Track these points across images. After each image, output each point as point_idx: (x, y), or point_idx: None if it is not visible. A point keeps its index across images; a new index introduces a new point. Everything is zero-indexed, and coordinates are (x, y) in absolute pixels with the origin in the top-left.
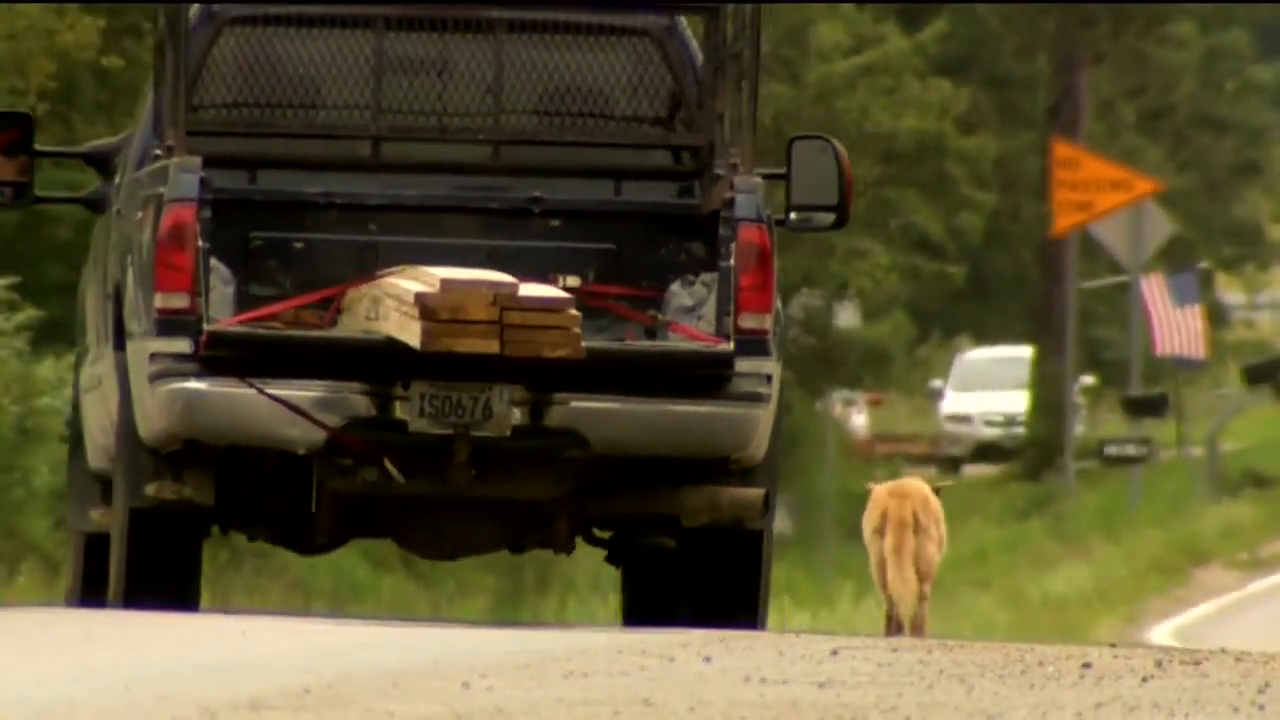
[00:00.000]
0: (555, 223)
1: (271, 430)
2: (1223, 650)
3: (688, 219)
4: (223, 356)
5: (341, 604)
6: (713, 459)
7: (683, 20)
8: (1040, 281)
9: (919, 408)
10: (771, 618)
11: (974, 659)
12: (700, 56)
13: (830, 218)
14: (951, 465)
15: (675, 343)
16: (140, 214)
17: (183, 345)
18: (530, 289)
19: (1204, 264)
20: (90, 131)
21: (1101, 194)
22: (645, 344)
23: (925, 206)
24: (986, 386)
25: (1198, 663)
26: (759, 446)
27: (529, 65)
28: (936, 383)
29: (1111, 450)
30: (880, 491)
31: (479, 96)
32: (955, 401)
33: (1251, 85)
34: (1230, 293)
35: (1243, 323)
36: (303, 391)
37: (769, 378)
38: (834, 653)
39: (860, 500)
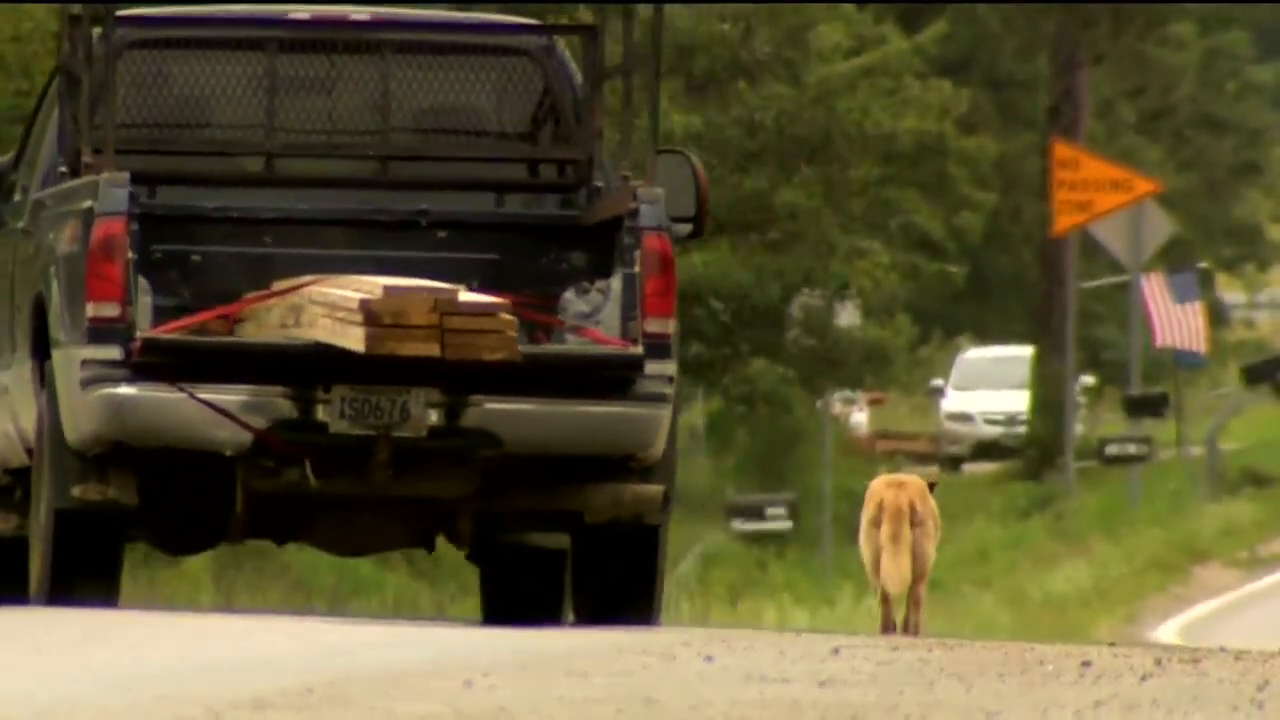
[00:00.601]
0: (441, 234)
1: (200, 433)
2: (1222, 649)
3: (569, 229)
4: (154, 362)
5: (344, 603)
6: (617, 457)
7: (560, 41)
8: (1040, 281)
9: (920, 406)
10: (771, 616)
11: (974, 658)
12: (579, 75)
13: (688, 227)
14: (952, 464)
15: (587, 346)
16: (57, 229)
17: (113, 352)
18: (469, 295)
19: (1203, 264)
20: None
21: (1101, 194)
22: (559, 347)
23: (926, 206)
24: (987, 385)
25: (1197, 661)
26: (661, 445)
27: (414, 85)
28: (937, 381)
29: (1112, 449)
30: (877, 483)
31: (368, 115)
32: (956, 400)
33: (1251, 86)
34: (1230, 293)
35: (1242, 322)
36: (229, 395)
37: (670, 379)
38: (835, 652)
39: (860, 498)
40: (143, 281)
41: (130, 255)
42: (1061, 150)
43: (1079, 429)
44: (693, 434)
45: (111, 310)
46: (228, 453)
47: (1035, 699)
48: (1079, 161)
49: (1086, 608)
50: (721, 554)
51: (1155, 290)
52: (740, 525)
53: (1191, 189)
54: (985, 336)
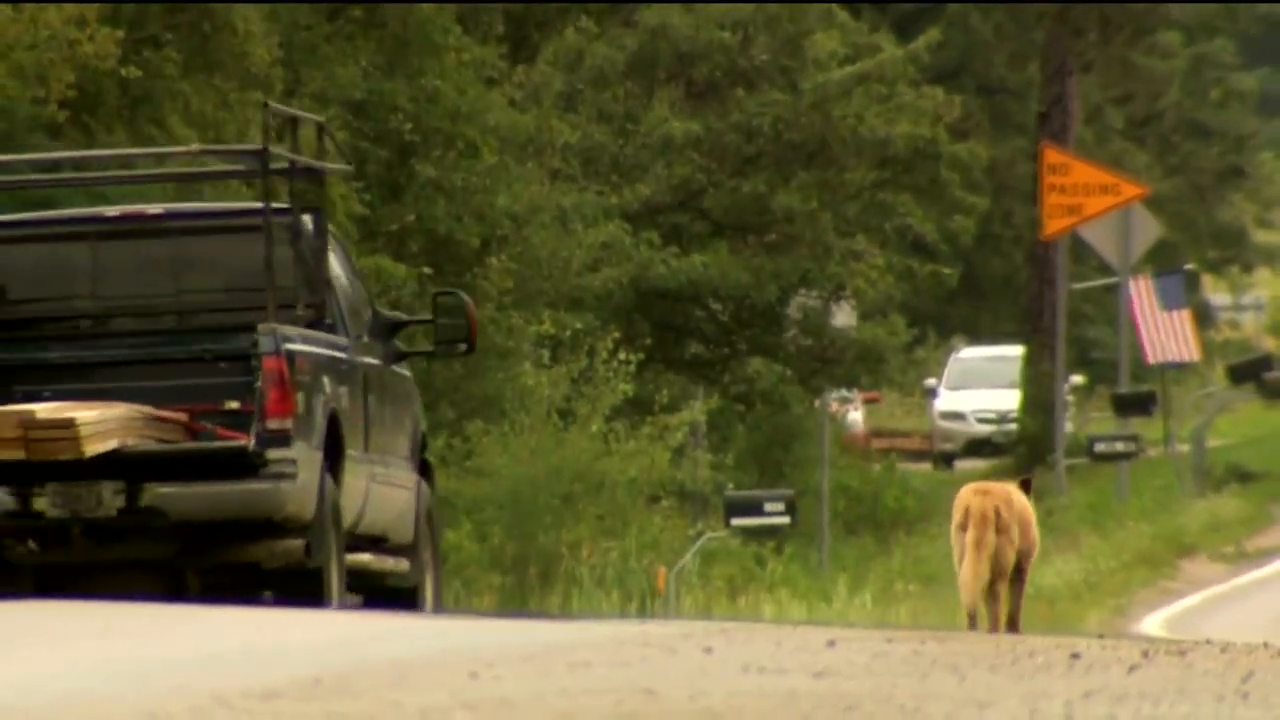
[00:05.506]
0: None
1: None
2: (1208, 641)
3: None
4: None
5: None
6: (258, 520)
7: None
8: (1031, 282)
9: (914, 405)
10: (769, 610)
11: (967, 649)
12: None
13: (464, 347)
14: (945, 460)
15: (214, 442)
16: None
17: None
18: (48, 411)
19: (1190, 266)
20: (110, 139)
21: (1090, 198)
22: (198, 444)
23: (920, 210)
24: (979, 384)
25: (1183, 653)
26: (301, 509)
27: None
28: (930, 381)
29: (1101, 447)
30: (965, 491)
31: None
32: (949, 399)
33: (1235, 93)
34: (1216, 294)
35: (1228, 323)
36: None
37: (294, 461)
38: (830, 644)
39: (856, 495)
40: None
41: None
42: (1051, 155)
43: (1068, 427)
44: (693, 431)
45: None
46: None
47: (1026, 690)
48: (1069, 166)
49: (1076, 601)
50: (721, 549)
51: (1143, 299)
52: (739, 521)
53: (1178, 193)
54: (977, 336)
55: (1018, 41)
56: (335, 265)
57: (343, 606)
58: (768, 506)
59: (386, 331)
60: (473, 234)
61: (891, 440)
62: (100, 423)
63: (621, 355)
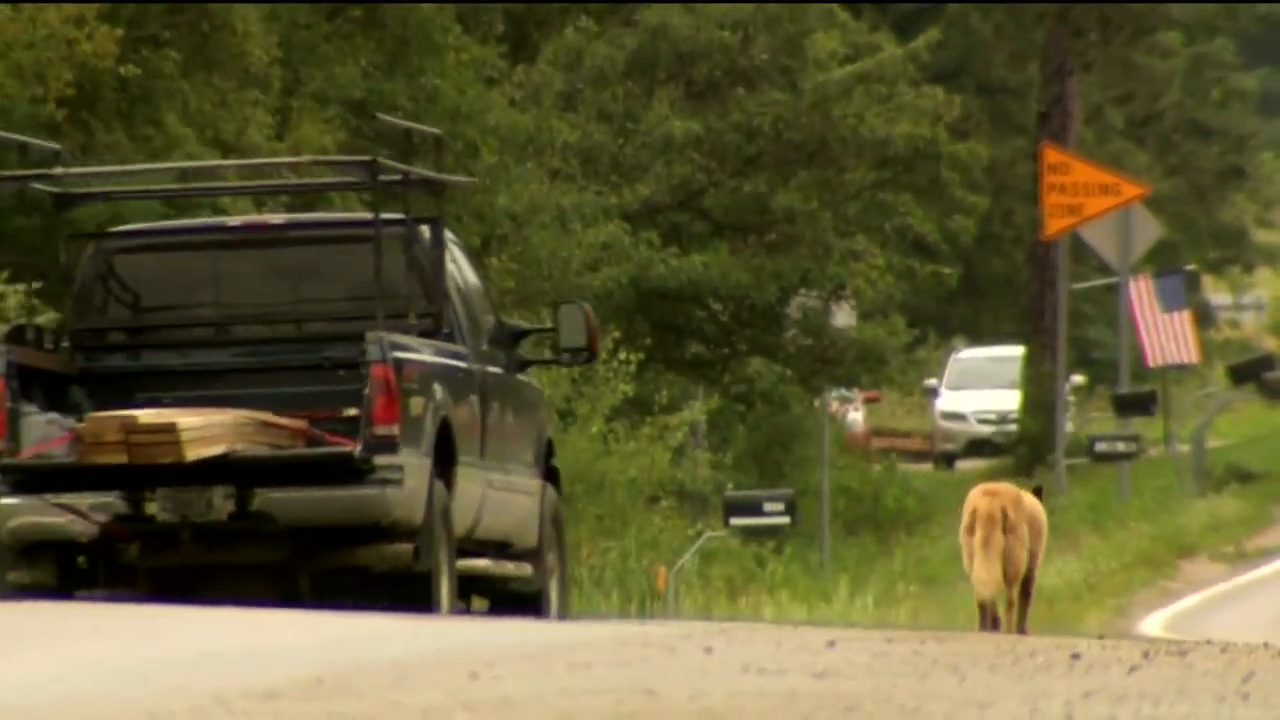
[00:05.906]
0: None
1: (60, 527)
2: (1208, 641)
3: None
4: (25, 479)
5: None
6: (365, 525)
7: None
8: (1032, 283)
9: (914, 405)
10: (769, 611)
11: (967, 649)
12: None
13: (584, 354)
14: (946, 461)
15: (321, 448)
16: None
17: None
18: (150, 415)
19: (1190, 266)
20: (109, 138)
21: (1091, 198)
22: (306, 450)
23: (920, 210)
24: (979, 384)
25: (1183, 654)
26: (409, 514)
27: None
28: (931, 381)
29: (1101, 447)
30: (974, 492)
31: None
32: (949, 399)
33: (1236, 93)
34: (1216, 294)
35: (1228, 323)
36: (83, 499)
37: (401, 467)
38: (830, 644)
39: (856, 495)
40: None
41: (9, 404)
42: (1052, 155)
43: (1069, 427)
44: (693, 431)
45: None
46: (82, 541)
47: (1026, 690)
48: (1069, 166)
49: (1076, 601)
50: (721, 549)
51: (1143, 300)
52: (739, 521)
53: (1178, 193)
54: (978, 337)
55: (1018, 41)
56: (456, 275)
57: (458, 611)
58: (767, 506)
59: (510, 340)
60: (473, 234)
61: (892, 440)
62: (203, 428)
63: (621, 355)
